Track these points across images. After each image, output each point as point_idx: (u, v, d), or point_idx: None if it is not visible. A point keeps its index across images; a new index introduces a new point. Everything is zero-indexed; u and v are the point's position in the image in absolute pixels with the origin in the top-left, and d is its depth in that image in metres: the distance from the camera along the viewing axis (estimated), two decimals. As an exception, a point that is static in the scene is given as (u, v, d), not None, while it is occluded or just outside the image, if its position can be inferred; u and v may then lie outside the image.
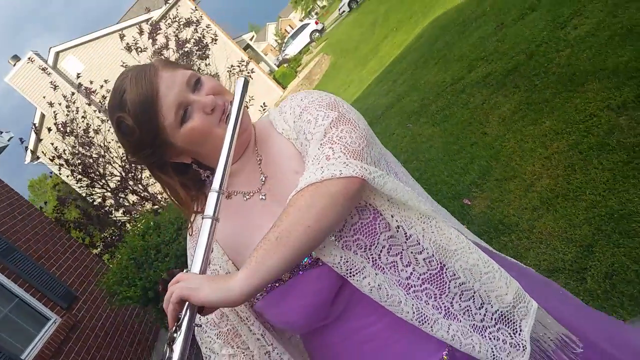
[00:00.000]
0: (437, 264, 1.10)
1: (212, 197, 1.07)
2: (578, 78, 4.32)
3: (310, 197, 0.99)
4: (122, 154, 8.88)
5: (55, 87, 8.63)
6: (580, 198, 3.20)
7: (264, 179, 1.23)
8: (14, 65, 19.12)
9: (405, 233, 1.08)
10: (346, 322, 1.16)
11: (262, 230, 1.16)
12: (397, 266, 1.09)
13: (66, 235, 7.75)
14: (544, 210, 3.36)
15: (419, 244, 1.09)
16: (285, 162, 1.21)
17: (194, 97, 1.15)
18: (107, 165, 8.62)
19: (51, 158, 8.22)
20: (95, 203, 8.57)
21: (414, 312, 1.07)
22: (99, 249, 8.67)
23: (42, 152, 8.44)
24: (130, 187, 8.63)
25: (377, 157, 1.15)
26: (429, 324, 1.07)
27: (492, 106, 5.19)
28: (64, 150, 8.35)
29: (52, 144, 8.30)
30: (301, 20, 49.60)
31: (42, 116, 16.84)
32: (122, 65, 8.39)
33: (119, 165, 8.80)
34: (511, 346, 1.11)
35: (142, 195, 8.81)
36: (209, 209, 1.07)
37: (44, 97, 8.74)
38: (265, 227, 1.16)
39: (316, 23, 38.37)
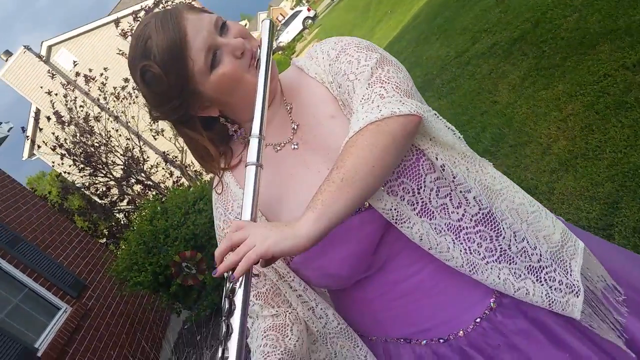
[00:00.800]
0: (487, 204, 1.06)
1: (253, 143, 1.02)
2: (588, 41, 4.28)
3: (371, 136, 0.94)
4: (124, 143, 8.82)
5: (52, 75, 8.51)
6: (600, 157, 3.17)
7: (295, 127, 1.17)
8: (6, 60, 18.92)
9: (452, 172, 1.04)
10: (387, 274, 1.11)
11: (294, 179, 1.14)
12: (448, 208, 1.05)
13: (72, 225, 7.69)
14: (563, 171, 3.32)
15: (466, 182, 1.04)
16: (320, 107, 1.16)
17: (222, 40, 1.08)
18: (109, 154, 8.54)
19: (52, 147, 8.13)
20: (98, 192, 8.50)
21: (462, 258, 1.03)
22: (104, 239, 8.63)
23: (44, 141, 8.31)
24: (133, 176, 8.56)
25: (419, 99, 1.12)
26: (479, 269, 1.03)
27: (500, 75, 5.14)
28: (65, 139, 8.25)
29: (53, 133, 8.21)
30: (292, 9, 49.20)
31: (38, 111, 16.67)
32: (118, 53, 8.31)
33: (121, 154, 8.73)
34: (566, 287, 1.07)
35: (146, 184, 8.75)
36: (252, 155, 1.01)
37: (41, 87, 8.57)
38: (299, 175, 1.14)
39: (308, 10, 38.10)
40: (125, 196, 8.63)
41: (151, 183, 8.65)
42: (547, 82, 4.28)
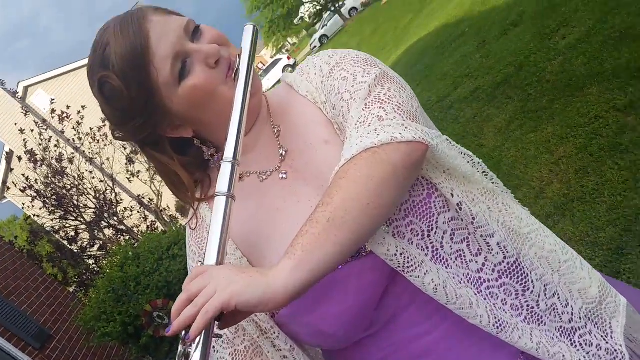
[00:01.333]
0: (514, 251, 0.88)
1: (225, 169, 0.86)
2: (575, 83, 4.24)
3: (366, 166, 0.77)
4: (96, 186, 8.54)
5: (26, 113, 8.29)
6: (598, 200, 3.04)
7: (283, 153, 1.00)
8: (-20, 101, 18.57)
9: (471, 211, 0.86)
10: (393, 332, 0.92)
11: (282, 214, 0.97)
12: (465, 256, 0.88)
13: (38, 271, 7.32)
14: (559, 216, 3.18)
15: (488, 224, 0.87)
16: (311, 131, 0.99)
17: (193, 46, 0.91)
18: (81, 197, 8.24)
19: (22, 189, 7.83)
20: (68, 236, 8.16)
21: (489, 316, 0.85)
22: (72, 287, 8.22)
23: (13, 182, 8.02)
24: (105, 220, 8.25)
25: (427, 124, 0.96)
26: (508, 330, 0.86)
27: (484, 119, 5.07)
28: (36, 180, 7.96)
29: (24, 174, 7.92)
30: (272, 57, 49.92)
31: (11, 152, 16.26)
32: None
33: (94, 197, 8.44)
34: (607, 353, 0.91)
35: (118, 228, 8.44)
36: (222, 183, 0.85)
37: (15, 124, 8.31)
38: (288, 210, 0.96)
39: (288, 58, 38.65)
40: (97, 241, 8.30)
41: (124, 227, 8.34)
42: (535, 125, 4.20)
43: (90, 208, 8.40)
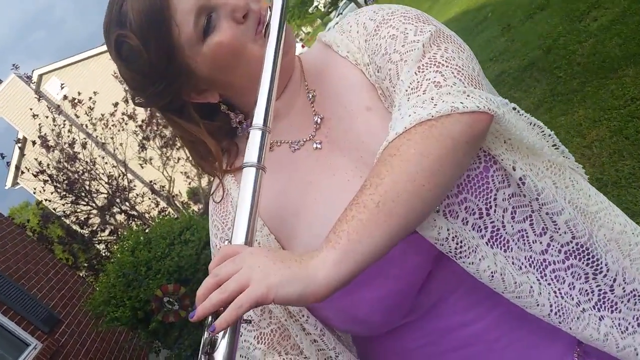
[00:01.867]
0: (584, 230, 0.79)
1: (254, 137, 0.77)
2: (609, 65, 4.06)
3: (422, 141, 0.68)
4: (109, 172, 8.47)
5: (39, 99, 8.25)
6: (635, 185, 2.90)
7: (319, 120, 0.90)
8: (-4, 88, 18.68)
9: (535, 186, 0.76)
10: (436, 319, 0.85)
11: (316, 188, 0.88)
12: (527, 237, 0.78)
13: (49, 255, 7.30)
14: (592, 201, 3.00)
15: (556, 201, 0.77)
16: (353, 96, 0.88)
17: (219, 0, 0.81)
18: (93, 181, 8.18)
19: (35, 174, 7.79)
20: (79, 220, 8.12)
21: (551, 304, 0.76)
22: (83, 272, 8.19)
23: (26, 167, 8.00)
24: (117, 205, 8.19)
25: (490, 90, 0.84)
26: (571, 319, 0.77)
27: (511, 102, 4.89)
28: (48, 165, 7.92)
29: (36, 159, 7.89)
30: (287, 46, 50.21)
31: (24, 139, 16.34)
32: (113, 75, 8.02)
33: (105, 182, 8.37)
34: None
35: (130, 213, 8.37)
36: (252, 153, 0.76)
37: (30, 109, 8.28)
38: (322, 183, 0.88)
39: (302, 47, 38.63)
40: (107, 226, 8.25)
41: (135, 213, 8.27)
42: (566, 108, 4.04)
43: (102, 193, 8.34)
